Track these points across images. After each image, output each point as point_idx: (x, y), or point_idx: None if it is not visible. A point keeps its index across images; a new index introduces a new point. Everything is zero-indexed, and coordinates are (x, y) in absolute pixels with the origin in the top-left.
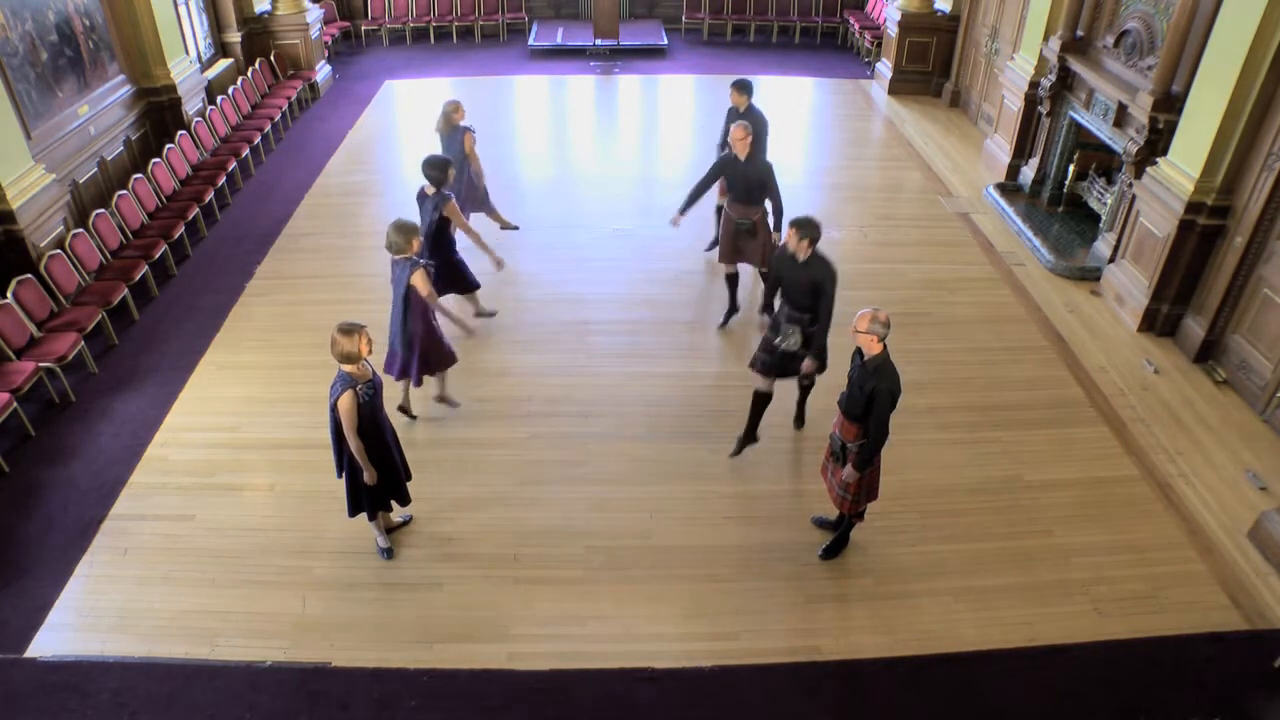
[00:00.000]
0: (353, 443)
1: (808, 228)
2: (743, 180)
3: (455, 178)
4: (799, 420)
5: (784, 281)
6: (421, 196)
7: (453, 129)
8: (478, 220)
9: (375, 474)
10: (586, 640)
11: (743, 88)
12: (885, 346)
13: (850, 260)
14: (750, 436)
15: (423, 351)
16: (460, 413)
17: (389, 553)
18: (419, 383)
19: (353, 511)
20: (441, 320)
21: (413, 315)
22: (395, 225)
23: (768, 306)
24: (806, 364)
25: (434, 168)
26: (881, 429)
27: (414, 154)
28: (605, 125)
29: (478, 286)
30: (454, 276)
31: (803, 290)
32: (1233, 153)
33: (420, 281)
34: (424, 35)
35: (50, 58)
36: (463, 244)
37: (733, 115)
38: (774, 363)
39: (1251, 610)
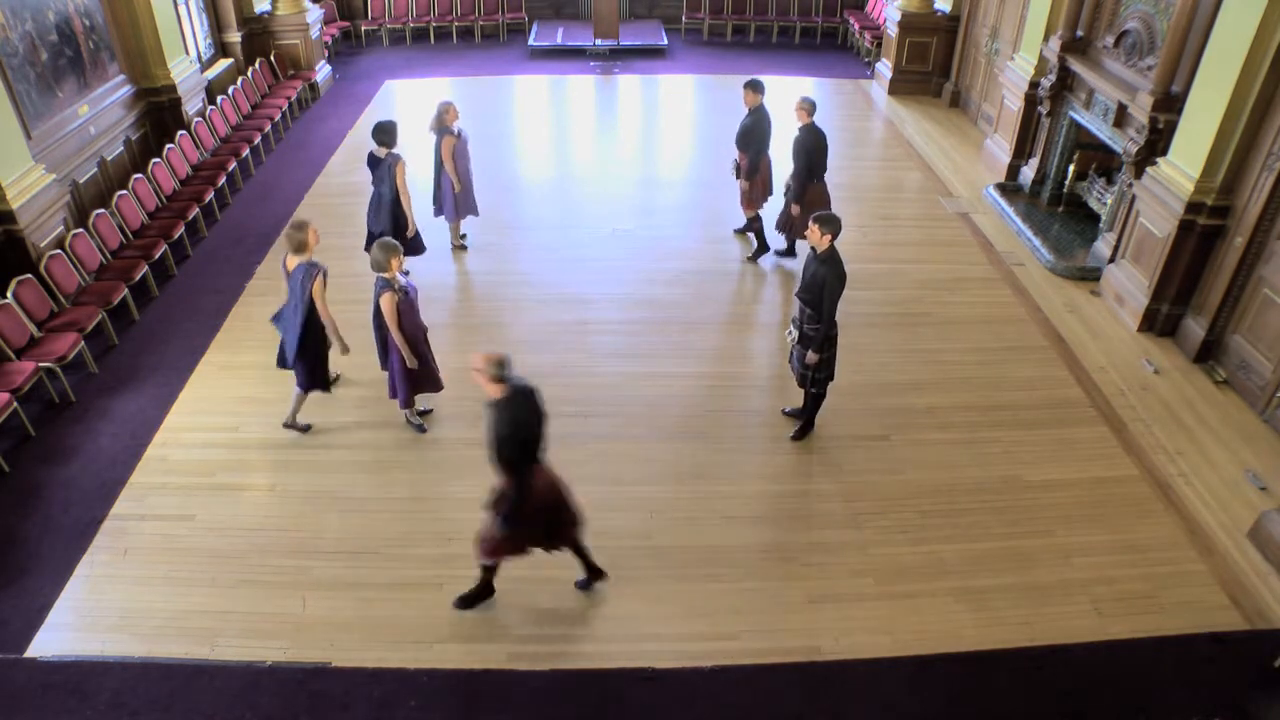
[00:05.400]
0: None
1: (828, 223)
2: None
3: (437, 182)
4: (799, 432)
5: (803, 272)
6: (374, 161)
7: (443, 130)
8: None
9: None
10: (586, 640)
11: (755, 87)
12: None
13: (850, 260)
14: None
15: (412, 375)
16: (460, 413)
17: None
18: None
19: (307, 387)
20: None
21: (392, 345)
22: (379, 244)
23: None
24: (809, 356)
25: (382, 131)
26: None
27: (414, 154)
28: (605, 125)
29: (424, 251)
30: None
31: (812, 284)
32: (1233, 153)
33: (388, 305)
34: (424, 35)
35: (50, 58)
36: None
37: (747, 115)
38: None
39: (1251, 610)
